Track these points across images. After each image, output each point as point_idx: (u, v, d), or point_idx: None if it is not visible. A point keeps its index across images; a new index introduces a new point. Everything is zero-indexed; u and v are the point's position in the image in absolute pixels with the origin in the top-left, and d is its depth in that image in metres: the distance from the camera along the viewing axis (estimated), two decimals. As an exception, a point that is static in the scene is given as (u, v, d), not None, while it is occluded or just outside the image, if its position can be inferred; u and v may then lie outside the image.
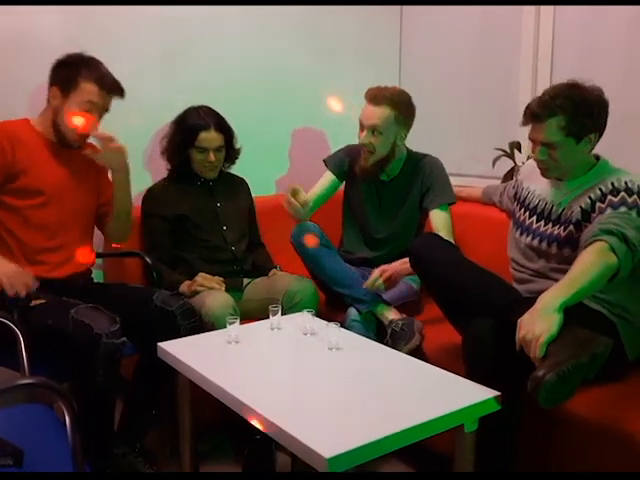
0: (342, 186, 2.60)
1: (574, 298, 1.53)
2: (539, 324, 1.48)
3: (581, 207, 1.82)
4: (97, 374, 1.71)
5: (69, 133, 2.00)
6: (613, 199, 1.75)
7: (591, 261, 1.58)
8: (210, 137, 2.32)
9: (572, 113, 1.77)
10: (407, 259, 2.06)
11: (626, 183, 1.76)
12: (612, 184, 1.77)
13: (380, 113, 2.28)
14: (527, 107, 1.85)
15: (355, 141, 2.42)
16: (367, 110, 2.32)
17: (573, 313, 1.57)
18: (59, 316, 1.76)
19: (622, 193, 1.75)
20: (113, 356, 1.74)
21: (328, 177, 2.55)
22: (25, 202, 1.96)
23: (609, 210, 1.73)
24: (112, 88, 2.01)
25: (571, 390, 1.47)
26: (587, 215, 1.81)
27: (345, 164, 2.54)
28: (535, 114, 1.81)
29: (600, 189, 1.79)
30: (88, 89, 1.96)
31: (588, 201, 1.81)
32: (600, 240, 1.62)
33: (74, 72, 1.97)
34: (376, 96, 2.29)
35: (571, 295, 1.52)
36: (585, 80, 1.80)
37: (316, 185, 2.54)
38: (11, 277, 1.77)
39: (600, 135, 1.84)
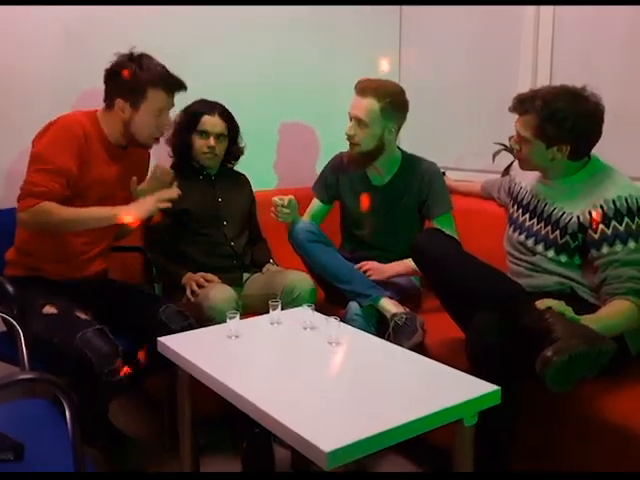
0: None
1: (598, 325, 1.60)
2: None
3: (579, 219, 1.82)
4: (91, 394, 1.77)
5: (147, 140, 2.03)
6: (618, 227, 1.73)
7: (619, 320, 1.67)
8: (213, 121, 2.33)
9: (544, 117, 1.77)
10: (401, 262, 2.28)
11: (626, 201, 1.74)
12: (614, 203, 1.74)
13: (365, 104, 2.23)
14: (515, 96, 1.87)
15: None
16: (354, 101, 2.28)
17: (578, 309, 1.61)
18: (65, 337, 1.75)
19: (626, 219, 1.73)
20: (109, 389, 1.81)
21: (316, 204, 2.55)
22: (73, 194, 1.94)
23: (619, 245, 1.72)
24: (177, 87, 2.01)
25: (573, 377, 1.50)
26: (584, 230, 1.80)
27: (332, 185, 2.52)
28: (514, 106, 1.86)
29: (601, 207, 1.76)
30: (158, 97, 1.96)
31: (587, 217, 1.79)
32: (626, 299, 1.67)
33: (138, 83, 1.94)
34: (363, 88, 2.25)
35: (597, 322, 1.60)
36: (593, 90, 1.77)
37: (308, 209, 2.53)
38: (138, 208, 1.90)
39: (577, 148, 1.81)
